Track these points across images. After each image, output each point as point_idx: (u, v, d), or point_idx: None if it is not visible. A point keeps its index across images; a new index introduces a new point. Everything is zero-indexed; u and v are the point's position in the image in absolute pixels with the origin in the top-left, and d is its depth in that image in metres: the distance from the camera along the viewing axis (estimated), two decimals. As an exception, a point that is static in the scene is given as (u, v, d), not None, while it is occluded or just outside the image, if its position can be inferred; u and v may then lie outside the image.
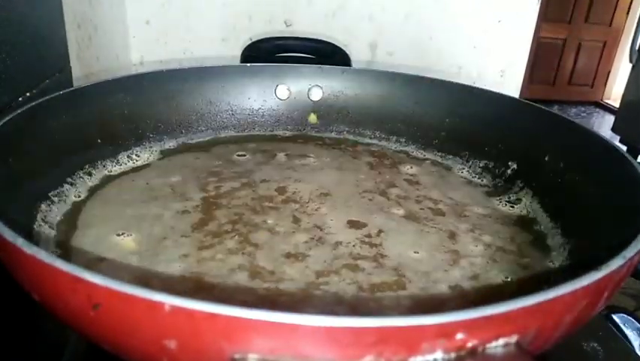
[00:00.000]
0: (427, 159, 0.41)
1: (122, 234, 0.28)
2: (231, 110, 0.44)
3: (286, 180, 0.36)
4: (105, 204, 0.31)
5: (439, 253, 0.28)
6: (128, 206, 0.31)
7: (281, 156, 0.40)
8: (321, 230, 0.29)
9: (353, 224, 0.30)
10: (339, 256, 0.27)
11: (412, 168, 0.39)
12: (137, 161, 0.37)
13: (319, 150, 0.42)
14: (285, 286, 0.24)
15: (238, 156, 0.39)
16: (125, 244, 0.27)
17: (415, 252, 0.28)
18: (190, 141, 0.41)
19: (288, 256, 0.27)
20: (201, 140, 0.42)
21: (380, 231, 0.30)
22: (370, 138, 0.45)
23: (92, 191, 0.32)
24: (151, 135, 0.40)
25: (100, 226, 0.29)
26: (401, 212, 0.32)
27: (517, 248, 0.29)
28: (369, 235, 0.29)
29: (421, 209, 0.32)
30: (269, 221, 0.30)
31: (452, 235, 0.30)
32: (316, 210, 0.32)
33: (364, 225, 0.30)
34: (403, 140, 0.44)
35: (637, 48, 1.42)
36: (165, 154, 0.39)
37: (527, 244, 0.30)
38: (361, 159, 0.40)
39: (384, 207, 0.32)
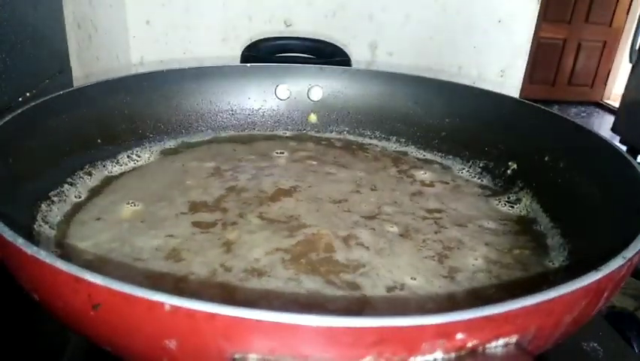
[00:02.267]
0: (427, 160, 0.41)
1: (131, 203, 0.31)
2: (231, 110, 0.44)
3: (297, 181, 0.36)
4: (140, 178, 0.35)
5: (436, 278, 0.26)
6: (157, 183, 0.34)
7: (283, 157, 0.40)
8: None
9: (340, 242, 0.28)
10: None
11: (411, 170, 0.39)
12: (137, 161, 0.37)
13: (319, 150, 0.42)
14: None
15: (277, 154, 0.40)
16: (125, 212, 0.30)
17: (412, 278, 0.25)
18: (190, 141, 0.42)
19: (250, 271, 0.25)
20: (201, 140, 0.42)
21: (368, 248, 0.27)
22: (370, 138, 0.45)
23: (92, 191, 0.33)
24: (151, 135, 0.40)
25: (121, 193, 0.32)
26: (395, 229, 0.30)
27: (519, 262, 0.28)
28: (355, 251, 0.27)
29: (415, 219, 0.31)
30: (255, 223, 0.29)
31: (449, 249, 0.28)
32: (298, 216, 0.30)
33: (353, 241, 0.28)
34: (403, 140, 0.44)
35: (637, 48, 1.42)
36: (200, 143, 0.41)
37: (529, 254, 0.29)
38: (360, 161, 0.40)
39: (379, 222, 0.30)
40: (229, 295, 0.24)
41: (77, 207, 0.31)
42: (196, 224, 0.29)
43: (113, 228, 0.29)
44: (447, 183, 0.37)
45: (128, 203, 0.31)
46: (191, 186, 0.34)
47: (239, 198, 0.33)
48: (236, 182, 0.35)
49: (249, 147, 0.41)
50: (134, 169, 0.36)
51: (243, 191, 0.34)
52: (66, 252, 0.27)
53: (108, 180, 0.34)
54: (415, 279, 0.26)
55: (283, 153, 0.40)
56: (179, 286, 0.24)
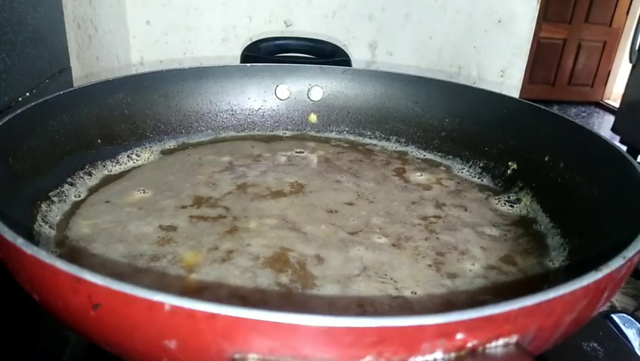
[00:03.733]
0: (426, 160, 0.41)
1: (141, 191, 0.33)
2: (231, 110, 0.44)
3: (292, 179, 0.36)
4: (157, 168, 0.36)
5: (436, 286, 0.25)
6: (172, 175, 0.35)
7: (284, 157, 0.40)
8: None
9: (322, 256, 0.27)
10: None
11: (415, 174, 0.39)
12: (137, 161, 0.37)
13: (319, 150, 0.42)
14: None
15: (296, 153, 0.41)
16: (133, 197, 0.32)
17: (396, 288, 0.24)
18: (190, 141, 0.42)
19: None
20: (201, 140, 0.42)
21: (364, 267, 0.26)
22: (370, 138, 0.45)
23: (92, 191, 0.33)
24: (151, 135, 0.40)
25: (136, 181, 0.34)
26: (383, 240, 0.28)
27: (519, 262, 0.28)
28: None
29: (406, 227, 0.30)
30: (254, 226, 0.30)
31: (443, 255, 0.27)
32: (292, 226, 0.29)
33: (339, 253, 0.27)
34: (403, 140, 0.44)
35: (637, 48, 1.42)
36: (216, 140, 0.42)
37: (529, 254, 0.29)
38: (374, 167, 0.39)
39: (370, 234, 0.29)
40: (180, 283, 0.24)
41: (78, 205, 0.31)
42: (193, 216, 0.30)
43: (115, 211, 0.30)
44: (447, 185, 0.37)
45: (139, 190, 0.33)
46: (201, 180, 0.35)
47: (237, 195, 0.33)
48: (245, 178, 0.35)
49: (268, 145, 0.42)
50: (153, 160, 0.37)
51: (242, 187, 0.34)
52: (68, 229, 0.28)
53: (108, 180, 0.34)
54: (391, 285, 0.25)
55: (302, 152, 0.41)
56: (149, 265, 0.25)
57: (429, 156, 0.42)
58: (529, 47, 0.73)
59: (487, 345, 0.15)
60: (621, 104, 1.58)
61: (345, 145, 0.43)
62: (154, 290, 0.14)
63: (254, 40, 0.67)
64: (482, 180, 0.38)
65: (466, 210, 0.33)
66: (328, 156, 0.41)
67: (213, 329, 0.14)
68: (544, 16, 2.24)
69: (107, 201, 0.31)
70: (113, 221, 0.29)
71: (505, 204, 0.34)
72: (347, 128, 0.45)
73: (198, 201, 0.32)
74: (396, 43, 0.72)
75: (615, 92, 2.52)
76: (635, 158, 0.27)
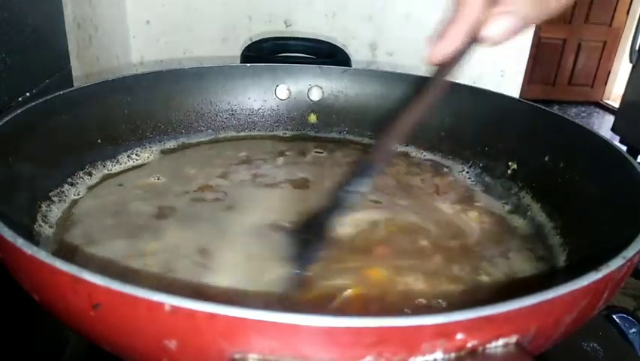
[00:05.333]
0: (426, 160, 0.41)
1: (155, 177, 0.35)
2: (231, 110, 0.44)
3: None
4: (177, 160, 0.38)
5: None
6: (192, 166, 0.37)
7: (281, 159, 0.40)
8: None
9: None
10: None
11: (412, 175, 0.38)
12: (137, 160, 0.37)
13: (337, 150, 0.42)
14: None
15: (316, 152, 0.41)
16: (145, 182, 0.34)
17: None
18: (190, 141, 0.42)
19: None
20: (201, 140, 0.42)
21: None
22: (370, 138, 0.45)
23: (92, 191, 0.33)
24: (151, 135, 0.40)
25: (154, 168, 0.36)
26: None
27: (519, 262, 0.28)
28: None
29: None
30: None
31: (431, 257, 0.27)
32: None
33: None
34: (403, 140, 0.44)
35: (637, 48, 1.42)
36: (217, 140, 0.43)
37: (528, 254, 0.28)
38: (383, 174, 0.38)
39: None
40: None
41: (91, 188, 0.33)
42: (196, 199, 0.32)
43: (123, 193, 0.32)
44: (447, 189, 0.37)
45: (154, 177, 0.34)
46: (216, 172, 0.36)
47: (239, 184, 0.34)
48: (257, 170, 0.36)
49: (286, 144, 0.42)
50: (172, 154, 0.39)
51: (253, 178, 0.35)
52: (76, 207, 0.30)
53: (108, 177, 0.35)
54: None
55: (322, 152, 0.41)
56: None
57: (429, 156, 0.42)
58: (529, 46, 0.73)
59: (487, 345, 0.15)
60: (621, 104, 1.58)
61: (360, 149, 0.43)
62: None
63: (254, 40, 0.67)
64: (482, 180, 0.38)
65: (465, 212, 0.33)
66: (348, 159, 0.40)
67: (213, 329, 0.14)
68: (545, 16, 2.24)
69: (120, 185, 0.33)
70: (117, 201, 0.31)
71: (505, 204, 0.34)
72: (347, 128, 0.45)
73: (203, 188, 0.33)
74: (397, 43, 0.72)
75: (615, 92, 2.52)
76: (635, 158, 0.27)
